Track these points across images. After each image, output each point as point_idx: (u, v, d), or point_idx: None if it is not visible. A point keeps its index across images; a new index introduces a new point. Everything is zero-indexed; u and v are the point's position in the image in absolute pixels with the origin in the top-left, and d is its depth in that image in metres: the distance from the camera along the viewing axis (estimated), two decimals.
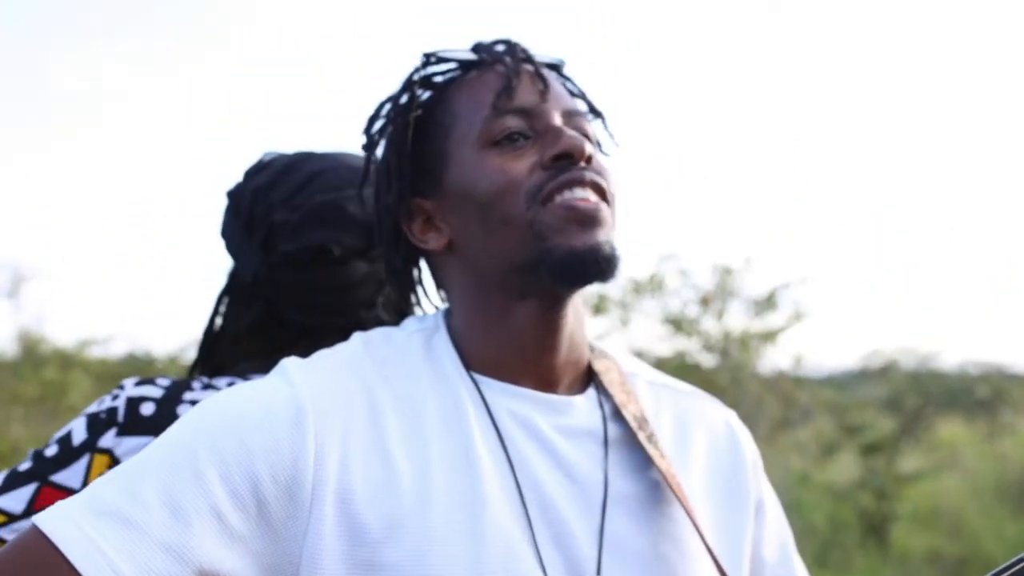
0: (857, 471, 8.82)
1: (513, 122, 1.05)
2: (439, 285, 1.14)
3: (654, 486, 1.07)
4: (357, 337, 1.08)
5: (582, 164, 1.03)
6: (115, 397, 1.28)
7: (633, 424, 1.07)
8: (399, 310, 1.37)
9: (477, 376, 1.05)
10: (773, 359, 7.57)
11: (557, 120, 1.06)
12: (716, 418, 1.18)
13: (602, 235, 1.01)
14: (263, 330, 1.36)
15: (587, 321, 1.12)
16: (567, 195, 1.02)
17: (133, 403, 1.26)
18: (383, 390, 1.01)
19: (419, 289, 1.17)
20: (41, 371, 8.17)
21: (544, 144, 1.04)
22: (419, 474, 0.98)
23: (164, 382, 1.30)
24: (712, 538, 1.08)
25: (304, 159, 1.37)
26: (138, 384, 1.29)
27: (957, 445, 10.89)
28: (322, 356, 1.05)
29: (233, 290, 1.40)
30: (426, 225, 1.10)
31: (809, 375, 9.00)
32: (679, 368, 7.23)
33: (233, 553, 0.92)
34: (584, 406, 1.08)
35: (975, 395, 10.94)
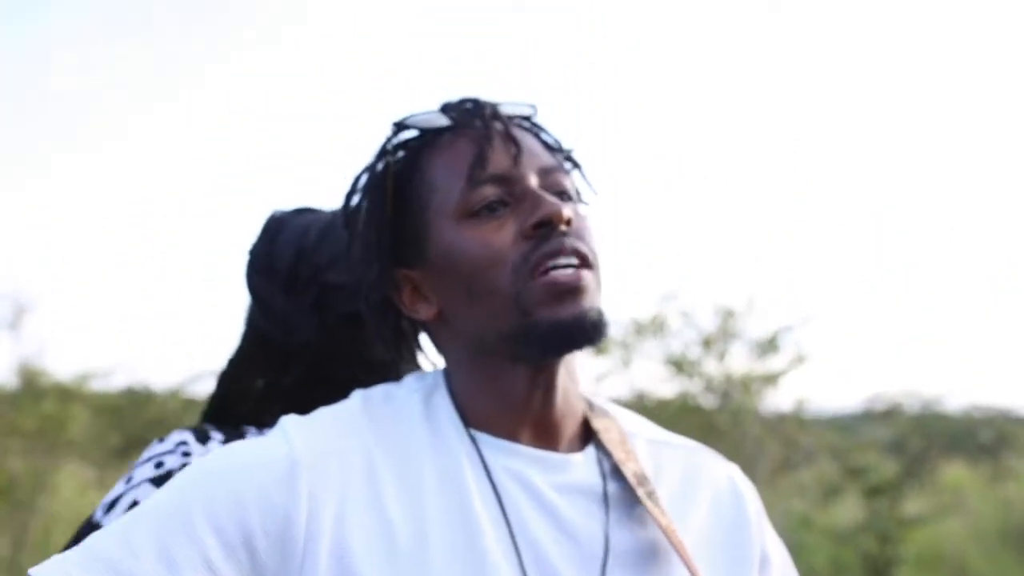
0: (860, 514, 8.78)
1: (490, 191, 1.05)
2: (437, 349, 1.14)
3: (654, 543, 1.07)
4: (357, 395, 1.09)
5: (563, 228, 1.03)
6: (185, 454, 1.28)
7: (633, 481, 1.08)
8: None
9: (476, 433, 1.06)
10: (775, 401, 7.57)
11: (533, 182, 1.06)
12: (719, 473, 1.18)
13: (586, 303, 1.02)
14: (303, 392, 1.36)
15: (580, 377, 1.13)
16: (550, 269, 1.02)
17: None
18: (379, 448, 1.02)
19: (417, 353, 1.17)
20: (40, 404, 8.17)
21: (523, 211, 1.04)
22: (416, 531, 0.99)
23: (219, 436, 1.32)
24: None
25: (337, 219, 1.37)
26: (199, 439, 1.30)
27: (961, 489, 10.84)
28: (320, 414, 1.06)
29: (261, 353, 1.39)
30: (415, 295, 1.10)
31: (812, 417, 8.98)
32: (680, 409, 7.22)
33: None
34: (582, 464, 1.08)
35: (979, 438, 10.91)
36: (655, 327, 7.22)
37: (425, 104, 1.12)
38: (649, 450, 1.15)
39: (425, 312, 1.09)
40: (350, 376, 1.33)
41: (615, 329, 7.19)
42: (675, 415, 7.20)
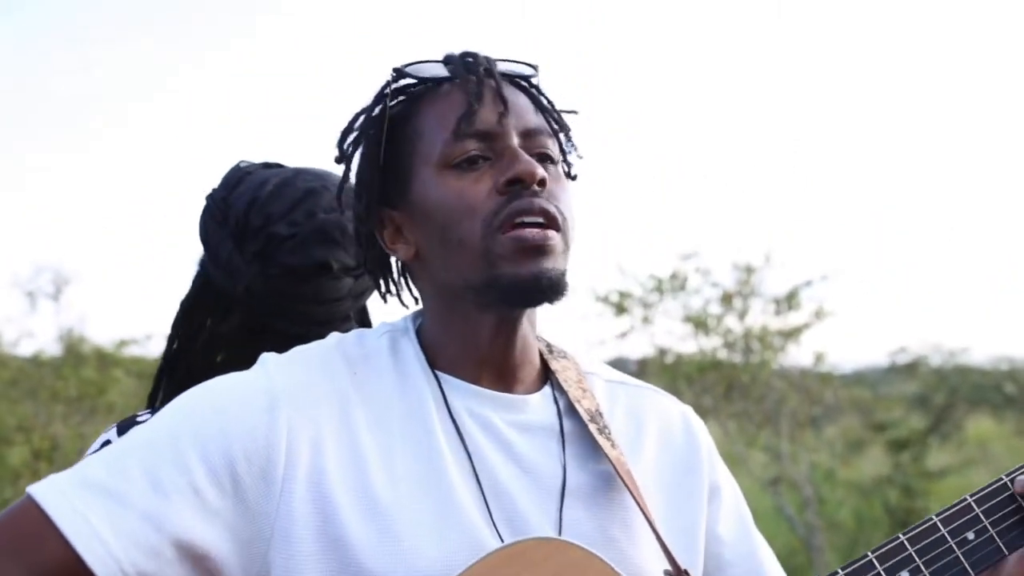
0: (884, 467, 8.84)
1: (472, 145, 1.10)
2: (416, 286, 1.21)
3: (606, 475, 1.15)
4: (332, 336, 1.17)
5: (535, 188, 1.08)
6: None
7: (585, 417, 1.15)
8: (364, 323, 1.47)
9: (440, 374, 1.13)
10: (796, 356, 7.60)
11: (515, 141, 1.11)
12: (671, 411, 1.26)
13: (548, 263, 1.08)
14: (242, 340, 1.42)
15: (539, 325, 1.20)
16: (517, 225, 1.08)
17: None
18: (352, 384, 1.10)
19: (395, 289, 1.23)
20: (81, 370, 8.34)
21: (500, 168, 1.10)
22: (385, 460, 1.07)
23: (145, 416, 1.38)
24: (663, 521, 1.16)
25: (296, 175, 1.43)
26: (121, 429, 1.36)
27: (986, 441, 10.84)
28: (298, 351, 1.14)
29: (207, 297, 1.45)
30: (396, 234, 1.16)
31: (837, 372, 8.98)
32: (701, 366, 7.29)
33: (209, 526, 1.02)
34: (539, 403, 1.16)
35: (1004, 391, 10.86)
36: (675, 285, 7.26)
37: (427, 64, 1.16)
38: (606, 389, 1.23)
39: (404, 252, 1.15)
40: (287, 329, 1.39)
41: (636, 287, 7.30)
42: (696, 371, 7.29)
